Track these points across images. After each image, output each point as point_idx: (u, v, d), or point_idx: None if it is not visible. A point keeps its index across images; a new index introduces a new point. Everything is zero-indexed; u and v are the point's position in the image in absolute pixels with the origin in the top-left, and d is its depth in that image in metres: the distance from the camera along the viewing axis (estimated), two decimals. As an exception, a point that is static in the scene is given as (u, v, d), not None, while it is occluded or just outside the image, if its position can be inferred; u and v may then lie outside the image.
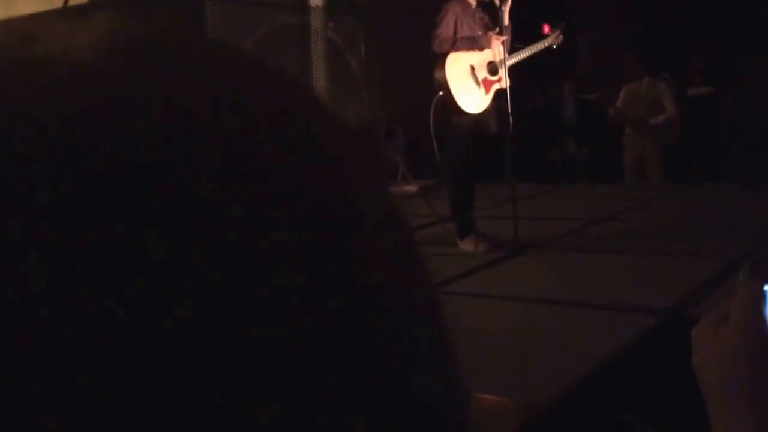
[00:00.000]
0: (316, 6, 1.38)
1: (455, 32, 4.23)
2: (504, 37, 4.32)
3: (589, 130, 7.58)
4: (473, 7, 4.32)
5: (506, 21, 4.30)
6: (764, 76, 6.18)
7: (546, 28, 6.83)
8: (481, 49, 4.29)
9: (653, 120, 6.26)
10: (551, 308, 3.22)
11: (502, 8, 4.28)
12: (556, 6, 9.01)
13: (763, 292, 0.35)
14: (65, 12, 1.42)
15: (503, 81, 4.38)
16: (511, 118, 4.41)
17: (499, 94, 4.46)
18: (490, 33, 4.30)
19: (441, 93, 4.25)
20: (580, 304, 3.22)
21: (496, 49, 4.38)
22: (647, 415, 2.10)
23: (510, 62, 4.42)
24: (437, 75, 4.26)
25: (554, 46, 4.64)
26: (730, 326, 0.35)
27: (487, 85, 4.38)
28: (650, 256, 4.10)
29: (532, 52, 4.56)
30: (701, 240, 4.36)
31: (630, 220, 5.31)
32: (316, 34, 1.40)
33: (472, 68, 4.32)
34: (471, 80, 4.31)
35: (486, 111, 4.40)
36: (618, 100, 6.59)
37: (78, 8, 1.41)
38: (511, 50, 4.49)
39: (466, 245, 4.42)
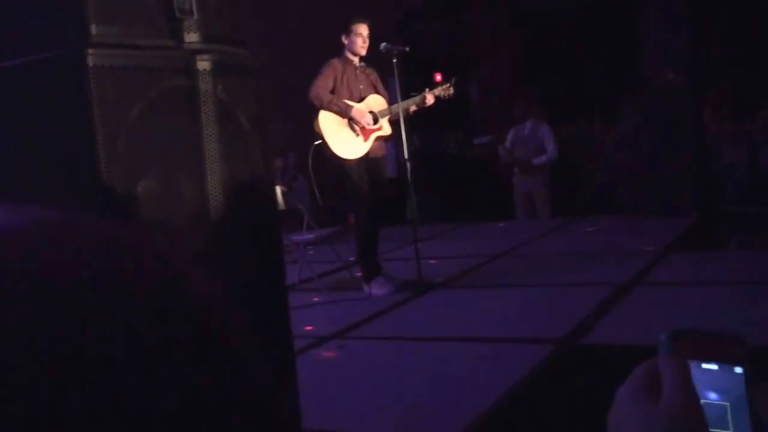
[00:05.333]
0: (204, 69, 1.43)
1: (334, 88, 4.43)
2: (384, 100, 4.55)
3: (482, 170, 7.98)
4: (355, 64, 4.53)
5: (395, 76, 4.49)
6: (636, 114, 6.77)
7: (438, 77, 7.18)
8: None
9: (536, 160, 6.76)
10: (454, 346, 3.33)
11: (393, 60, 4.49)
12: (449, 55, 9.49)
13: (689, 367, 0.35)
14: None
15: (384, 129, 4.58)
16: (408, 165, 4.58)
17: (396, 143, 4.65)
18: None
19: (319, 141, 4.46)
20: (480, 340, 3.35)
21: (377, 101, 4.58)
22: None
23: (392, 114, 4.57)
24: (315, 126, 4.48)
25: (442, 97, 4.86)
26: (666, 405, 0.35)
27: (365, 133, 4.56)
28: (543, 287, 4.33)
29: (413, 103, 4.67)
30: (589, 269, 4.66)
31: (523, 254, 5.59)
32: (206, 97, 1.44)
33: (351, 118, 4.50)
34: (348, 129, 4.51)
35: (378, 159, 4.59)
36: (507, 141, 7.05)
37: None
38: (405, 98, 4.66)
39: (373, 289, 4.50)
